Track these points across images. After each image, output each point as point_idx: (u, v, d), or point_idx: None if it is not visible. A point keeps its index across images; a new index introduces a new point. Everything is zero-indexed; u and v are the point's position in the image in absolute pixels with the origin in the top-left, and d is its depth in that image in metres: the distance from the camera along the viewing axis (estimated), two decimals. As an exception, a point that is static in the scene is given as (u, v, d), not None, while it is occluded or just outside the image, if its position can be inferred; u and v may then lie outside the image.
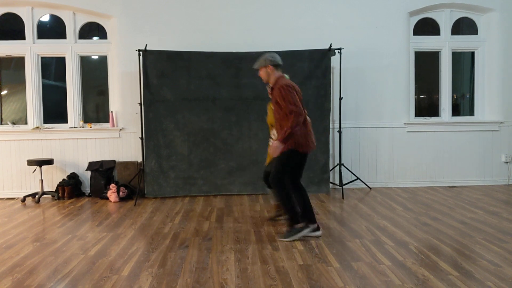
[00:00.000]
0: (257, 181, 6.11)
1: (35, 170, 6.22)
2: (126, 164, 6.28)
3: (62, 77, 6.48)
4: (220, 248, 3.77)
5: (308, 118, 4.04)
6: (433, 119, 6.74)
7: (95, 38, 6.54)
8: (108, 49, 6.45)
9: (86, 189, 6.38)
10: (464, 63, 7.09)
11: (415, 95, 6.83)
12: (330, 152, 6.36)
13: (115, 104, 6.43)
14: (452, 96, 6.82)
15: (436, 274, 3.11)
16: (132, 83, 6.29)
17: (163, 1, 6.28)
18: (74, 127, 6.41)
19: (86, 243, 4.01)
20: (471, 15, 6.76)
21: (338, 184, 6.24)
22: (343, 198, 5.78)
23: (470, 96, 6.99)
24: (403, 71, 6.51)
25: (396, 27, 6.47)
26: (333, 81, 6.29)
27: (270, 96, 4.08)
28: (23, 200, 5.97)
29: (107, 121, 6.52)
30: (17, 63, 6.63)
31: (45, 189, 6.29)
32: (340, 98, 6.13)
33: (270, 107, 4.45)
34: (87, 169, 6.22)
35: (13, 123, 6.50)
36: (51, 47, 6.40)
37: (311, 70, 6.09)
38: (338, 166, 6.33)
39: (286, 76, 4.10)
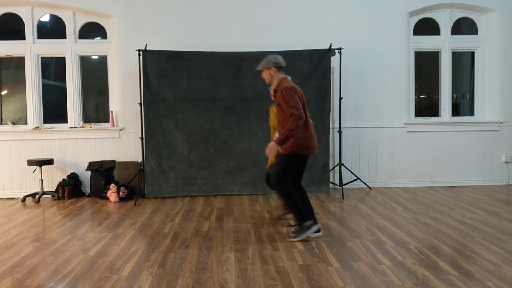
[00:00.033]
0: (257, 181, 6.12)
1: (35, 170, 6.22)
2: (126, 164, 6.28)
3: (62, 77, 6.48)
4: (220, 248, 3.77)
5: (310, 120, 4.03)
6: (433, 119, 6.74)
7: (97, 39, 6.53)
8: (108, 49, 6.45)
9: (86, 189, 6.38)
10: (464, 63, 7.09)
11: (415, 95, 6.83)
12: (330, 152, 6.36)
13: (115, 104, 6.43)
14: (452, 96, 6.82)
15: (436, 274, 3.11)
16: (132, 83, 6.29)
17: (163, 1, 6.28)
18: (74, 127, 6.41)
19: (86, 243, 4.01)
20: (471, 15, 6.76)
21: (338, 184, 6.24)
22: (343, 198, 5.78)
23: (470, 96, 6.99)
24: (403, 71, 6.51)
25: (396, 27, 6.47)
26: (333, 81, 6.29)
27: (272, 98, 4.06)
28: (23, 200, 5.97)
29: (107, 121, 6.52)
30: (17, 63, 6.63)
31: (45, 189, 6.29)
32: (340, 98, 6.13)
33: (273, 110, 4.43)
34: (87, 169, 6.22)
35: (13, 123, 6.50)
36: (51, 47, 6.40)
37: (311, 70, 6.09)
38: (338, 166, 6.33)
39: (289, 78, 4.10)
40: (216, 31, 6.31)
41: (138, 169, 6.22)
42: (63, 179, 6.23)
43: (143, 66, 5.96)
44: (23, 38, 6.36)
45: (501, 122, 6.63)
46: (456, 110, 7.02)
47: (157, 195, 6.04)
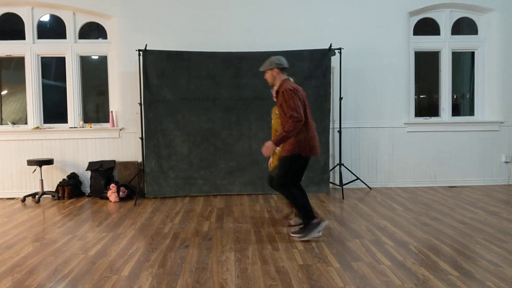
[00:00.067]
0: (257, 181, 6.12)
1: (35, 170, 6.22)
2: (126, 164, 6.28)
3: (62, 77, 6.48)
4: (220, 248, 3.77)
5: (312, 122, 4.02)
6: (433, 119, 6.74)
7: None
8: (108, 49, 6.45)
9: (86, 189, 6.38)
10: (464, 63, 7.09)
11: (415, 95, 6.83)
12: (330, 152, 6.36)
13: (115, 104, 6.43)
14: (452, 96, 6.82)
15: (436, 274, 3.11)
16: (132, 83, 6.29)
17: (163, 1, 6.28)
18: (74, 127, 6.41)
19: (86, 243, 4.01)
20: (471, 15, 6.76)
21: (338, 184, 6.24)
22: (343, 198, 5.78)
23: (470, 96, 6.99)
24: (403, 71, 6.51)
25: (396, 27, 6.47)
26: (333, 81, 6.29)
27: (275, 99, 4.05)
28: (23, 200, 5.97)
29: (107, 121, 6.52)
30: (17, 63, 6.63)
31: (45, 189, 6.29)
32: (340, 98, 6.13)
33: (275, 112, 4.42)
34: (87, 169, 6.22)
35: (13, 123, 6.50)
36: (51, 47, 6.40)
37: (311, 70, 6.09)
38: (338, 166, 6.33)
39: (291, 79, 4.10)
40: (216, 31, 6.31)
41: (138, 169, 6.22)
42: (63, 179, 6.23)
43: (143, 66, 5.96)
44: (23, 38, 6.36)
45: (501, 122, 6.63)
46: (456, 110, 7.02)
47: (157, 195, 6.04)
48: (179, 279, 3.10)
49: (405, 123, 6.54)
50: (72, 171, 6.35)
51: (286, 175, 3.96)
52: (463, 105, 7.14)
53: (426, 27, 6.75)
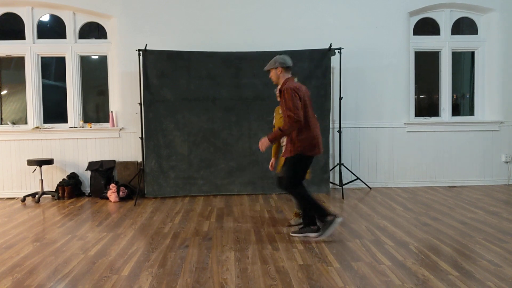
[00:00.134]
0: (257, 181, 6.12)
1: (35, 170, 6.22)
2: (126, 164, 6.28)
3: (62, 77, 6.48)
4: (220, 248, 3.77)
5: (315, 121, 4.01)
6: (433, 119, 6.74)
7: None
8: (108, 49, 6.45)
9: (86, 189, 6.38)
10: (464, 63, 7.10)
11: (415, 95, 6.83)
12: (330, 152, 6.36)
13: (115, 104, 6.43)
14: (452, 96, 6.82)
15: (436, 274, 3.11)
16: (132, 83, 6.29)
17: (163, 1, 6.28)
18: (74, 127, 6.41)
19: (86, 243, 4.01)
20: (471, 15, 6.76)
21: (338, 184, 6.24)
22: (343, 198, 5.78)
23: (470, 96, 6.99)
24: (403, 71, 6.51)
25: (396, 27, 6.47)
26: (333, 81, 6.29)
27: (278, 99, 4.05)
28: (23, 200, 5.97)
29: (107, 121, 6.52)
30: (17, 63, 6.63)
31: (45, 189, 6.29)
32: (340, 98, 6.13)
33: (278, 111, 4.41)
34: (87, 169, 6.22)
35: (13, 123, 6.50)
36: (51, 47, 6.40)
37: (311, 70, 6.09)
38: (338, 166, 6.33)
39: (296, 78, 4.10)
40: (216, 31, 6.31)
41: (138, 169, 6.22)
42: (63, 179, 6.23)
43: (143, 66, 5.96)
44: (23, 38, 6.36)
45: (501, 122, 6.63)
46: (456, 110, 7.02)
47: (157, 195, 6.04)
48: (179, 279, 3.10)
49: (405, 123, 6.54)
50: (72, 171, 6.35)
51: (293, 176, 3.95)
52: (463, 105, 7.14)
53: (426, 27, 6.76)
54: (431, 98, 7.06)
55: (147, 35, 6.27)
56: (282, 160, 4.37)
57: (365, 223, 4.52)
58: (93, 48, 6.47)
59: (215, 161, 6.12)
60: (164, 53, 6.01)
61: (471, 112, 6.95)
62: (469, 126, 6.63)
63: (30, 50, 6.35)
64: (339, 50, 6.03)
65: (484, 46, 6.75)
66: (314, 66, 6.09)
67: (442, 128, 6.61)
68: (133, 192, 6.07)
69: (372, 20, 6.45)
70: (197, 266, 3.34)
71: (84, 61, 6.62)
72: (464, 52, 6.93)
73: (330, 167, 6.31)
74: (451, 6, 6.63)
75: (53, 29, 6.53)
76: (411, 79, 6.66)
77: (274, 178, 6.08)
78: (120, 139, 6.39)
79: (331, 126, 6.33)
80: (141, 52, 5.89)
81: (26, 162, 6.13)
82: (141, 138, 5.98)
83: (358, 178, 6.38)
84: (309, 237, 4.01)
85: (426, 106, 7.07)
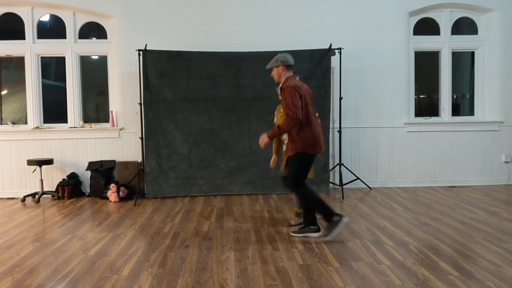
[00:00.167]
0: (257, 181, 6.12)
1: (35, 170, 6.22)
2: (126, 164, 6.28)
3: (62, 77, 6.48)
4: (220, 248, 3.77)
5: (316, 119, 4.01)
6: (433, 119, 6.74)
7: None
8: (108, 49, 6.45)
9: (86, 189, 6.38)
10: (464, 63, 7.09)
11: (415, 95, 6.83)
12: (330, 152, 6.36)
13: (115, 104, 6.43)
14: (452, 96, 6.82)
15: (436, 274, 3.11)
16: (132, 83, 6.29)
17: (163, 1, 6.28)
18: (74, 127, 6.41)
19: (86, 243, 4.01)
20: (471, 15, 6.76)
21: (338, 184, 6.24)
22: (343, 198, 5.78)
23: (470, 96, 6.99)
24: (403, 71, 6.51)
25: (396, 27, 6.47)
26: (333, 81, 6.29)
27: (280, 97, 4.05)
28: (23, 200, 5.97)
29: (107, 121, 6.52)
30: (17, 63, 6.63)
31: (45, 189, 6.29)
32: (340, 98, 6.13)
33: (279, 110, 4.42)
34: (87, 169, 6.22)
35: (13, 123, 6.50)
36: (51, 47, 6.40)
37: (311, 70, 6.09)
38: (338, 166, 6.33)
39: (298, 77, 4.10)
40: (216, 31, 6.31)
41: (138, 169, 6.22)
42: (63, 179, 6.23)
43: (143, 66, 5.96)
44: (23, 38, 6.35)
45: (501, 122, 6.63)
46: (456, 110, 7.02)
47: (157, 195, 6.04)
48: (179, 279, 3.10)
49: (405, 123, 6.54)
50: (72, 171, 6.35)
51: (297, 175, 3.95)
52: (463, 105, 7.14)
53: (426, 27, 6.76)
54: (431, 98, 7.06)
55: (147, 35, 6.27)
56: (285, 159, 4.36)
57: (365, 223, 4.52)
58: (93, 48, 6.47)
59: (215, 161, 6.12)
60: (164, 53, 6.01)
61: (471, 112, 6.95)
62: (469, 126, 6.63)
63: (30, 50, 6.35)
64: (339, 50, 6.03)
65: (484, 46, 6.75)
66: (314, 66, 6.09)
67: (442, 128, 6.61)
68: (133, 192, 6.07)
69: (372, 20, 6.45)
70: (197, 266, 3.34)
71: (84, 61, 6.62)
72: (464, 52, 6.93)
73: (330, 167, 6.31)
74: (451, 6, 6.63)
75: (53, 29, 6.53)
76: (411, 79, 6.65)
77: (274, 178, 6.09)
78: (120, 139, 6.39)
79: (331, 126, 6.33)
80: (141, 52, 5.89)
81: (26, 162, 6.13)
82: (141, 138, 5.98)
83: (358, 178, 6.38)
84: (309, 237, 4.01)
85: (426, 106, 7.07)
